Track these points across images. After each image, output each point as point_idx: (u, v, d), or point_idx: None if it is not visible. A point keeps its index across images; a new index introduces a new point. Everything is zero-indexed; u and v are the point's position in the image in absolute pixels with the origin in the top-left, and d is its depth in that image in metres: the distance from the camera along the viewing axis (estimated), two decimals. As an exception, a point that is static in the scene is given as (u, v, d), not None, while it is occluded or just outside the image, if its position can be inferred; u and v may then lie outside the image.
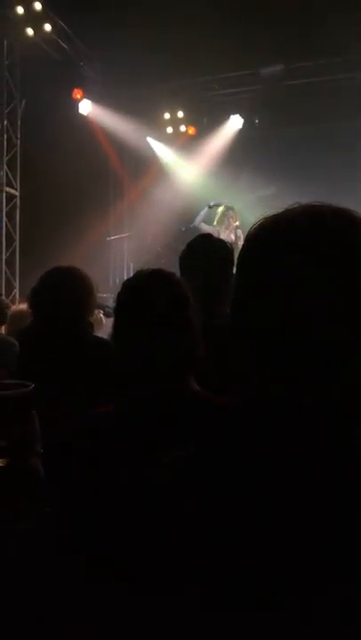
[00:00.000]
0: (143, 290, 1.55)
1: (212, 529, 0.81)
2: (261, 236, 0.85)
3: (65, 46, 8.60)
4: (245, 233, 0.96)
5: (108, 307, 4.49)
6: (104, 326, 4.42)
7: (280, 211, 0.86)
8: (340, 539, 0.77)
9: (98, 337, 2.47)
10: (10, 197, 8.50)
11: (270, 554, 0.78)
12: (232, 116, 9.87)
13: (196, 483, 0.85)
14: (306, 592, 0.76)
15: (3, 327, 4.34)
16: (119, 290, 1.61)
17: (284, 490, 0.80)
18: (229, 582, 0.79)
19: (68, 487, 1.37)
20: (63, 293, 2.31)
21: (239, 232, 7.17)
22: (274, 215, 0.86)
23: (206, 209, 7.50)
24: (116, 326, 1.58)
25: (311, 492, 0.79)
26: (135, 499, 1.15)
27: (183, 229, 7.83)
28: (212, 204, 7.61)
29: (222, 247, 2.53)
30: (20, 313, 4.56)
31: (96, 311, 3.51)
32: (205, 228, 7.25)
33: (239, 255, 0.89)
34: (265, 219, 0.86)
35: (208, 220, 7.57)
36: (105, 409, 1.53)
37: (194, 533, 0.82)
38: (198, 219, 7.52)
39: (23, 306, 4.85)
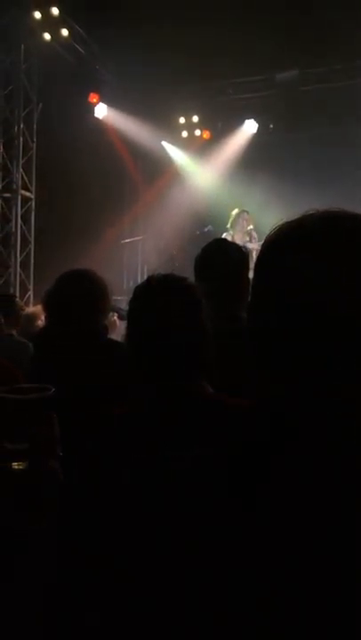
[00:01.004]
0: (155, 294, 1.57)
1: (224, 527, 0.82)
2: (279, 240, 0.86)
3: (81, 51, 8.65)
4: (259, 235, 0.97)
5: (122, 309, 4.50)
6: (118, 328, 4.44)
7: (298, 216, 0.87)
8: (340, 538, 0.77)
9: (112, 339, 2.48)
10: (25, 200, 8.55)
11: (271, 554, 0.79)
12: (247, 121, 9.86)
13: (209, 483, 0.86)
14: (306, 592, 0.77)
15: (15, 329, 4.36)
16: (131, 295, 1.63)
17: (284, 490, 0.80)
18: (233, 581, 0.80)
19: (84, 488, 1.38)
20: (78, 296, 2.32)
21: (254, 234, 7.16)
22: (292, 220, 0.87)
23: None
24: (128, 330, 1.59)
25: (311, 491, 0.80)
26: (154, 498, 1.16)
27: (198, 233, 7.83)
28: (205, 229, 7.67)
29: (237, 251, 2.55)
30: (32, 314, 4.60)
31: (110, 314, 3.52)
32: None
33: (257, 259, 0.90)
34: (283, 224, 0.87)
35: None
36: (119, 411, 1.54)
37: (214, 531, 0.82)
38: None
39: (35, 307, 4.89)
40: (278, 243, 0.86)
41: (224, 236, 6.95)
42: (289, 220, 0.87)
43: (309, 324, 0.79)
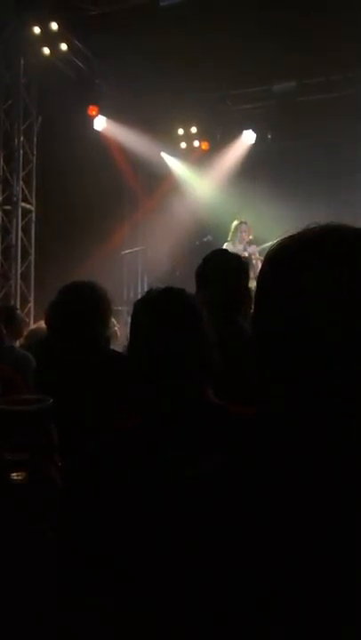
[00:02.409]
0: (156, 308, 1.59)
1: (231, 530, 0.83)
2: (281, 253, 0.89)
3: (80, 64, 8.74)
4: (259, 247, 1.00)
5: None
6: (119, 339, 4.45)
7: (299, 230, 0.89)
8: (340, 538, 0.78)
9: (114, 351, 2.49)
10: (25, 212, 8.60)
11: (271, 554, 0.80)
12: (245, 132, 9.91)
13: (210, 484, 0.87)
14: (306, 592, 0.78)
15: (18, 341, 4.37)
16: (132, 309, 1.65)
17: (284, 490, 0.81)
18: (233, 582, 0.81)
19: (87, 501, 1.38)
20: (80, 308, 2.34)
21: (253, 247, 7.18)
22: (293, 235, 0.89)
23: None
24: (131, 344, 1.61)
25: (311, 492, 0.80)
26: (154, 498, 1.17)
27: (198, 243, 7.86)
28: (205, 239, 7.69)
29: (237, 261, 2.57)
30: (38, 330, 4.59)
31: (112, 324, 3.53)
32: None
33: (259, 272, 0.92)
34: (284, 238, 0.90)
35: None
36: (123, 423, 1.55)
37: (222, 537, 0.83)
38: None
39: (41, 323, 4.90)
40: (280, 256, 0.88)
41: (225, 246, 6.98)
42: (290, 233, 0.89)
43: (309, 327, 0.81)
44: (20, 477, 1.15)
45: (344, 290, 0.81)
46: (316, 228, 0.88)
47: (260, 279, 0.91)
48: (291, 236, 0.89)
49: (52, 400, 1.20)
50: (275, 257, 0.89)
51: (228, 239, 7.35)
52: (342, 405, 0.83)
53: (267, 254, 0.91)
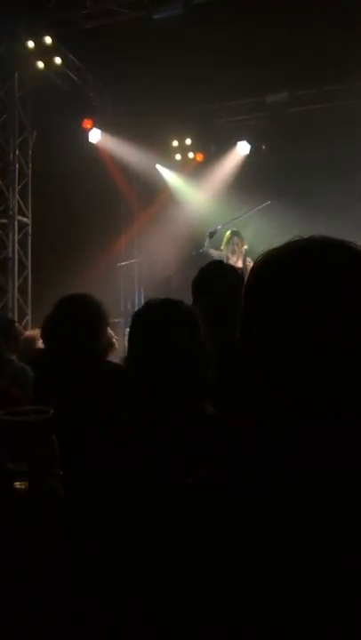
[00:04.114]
0: (154, 319, 1.60)
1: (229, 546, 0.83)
2: (264, 267, 0.94)
3: (75, 78, 8.79)
4: (252, 257, 1.04)
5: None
6: (116, 351, 4.45)
7: (283, 243, 0.94)
8: (337, 549, 0.79)
9: (112, 362, 2.50)
10: (22, 226, 8.61)
11: (270, 560, 0.80)
12: (239, 143, 9.93)
13: (208, 495, 0.87)
14: (307, 592, 0.79)
15: (15, 354, 4.37)
16: (130, 321, 1.66)
17: (284, 500, 0.82)
18: (233, 584, 0.81)
19: (85, 509, 1.39)
20: (77, 321, 2.34)
21: (248, 259, 7.20)
22: (277, 248, 0.94)
23: (208, 239, 7.57)
24: (129, 356, 1.63)
25: (311, 501, 0.81)
26: (157, 521, 1.17)
27: (194, 253, 7.88)
28: (208, 232, 7.67)
29: (233, 273, 2.59)
30: (30, 339, 4.60)
31: (109, 336, 3.54)
32: (214, 253, 7.29)
33: (245, 284, 0.97)
34: (269, 251, 0.95)
35: (215, 245, 7.62)
36: (120, 433, 1.56)
37: (215, 552, 0.84)
38: (206, 245, 7.58)
39: (34, 330, 4.90)
40: (264, 269, 0.94)
41: (219, 255, 7.00)
42: (275, 246, 0.95)
43: (295, 339, 0.85)
44: (22, 486, 1.16)
45: (323, 300, 0.85)
46: (300, 240, 0.93)
47: (246, 293, 0.95)
48: (274, 249, 0.94)
49: (52, 411, 1.21)
50: (259, 269, 0.94)
51: (222, 248, 7.36)
52: (342, 413, 0.85)
53: (253, 267, 0.96)
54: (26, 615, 1.16)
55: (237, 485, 0.86)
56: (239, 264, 6.85)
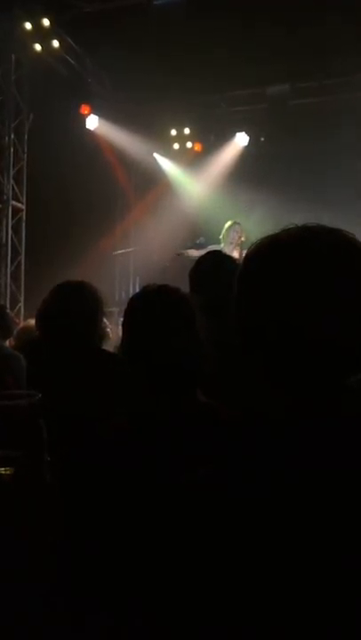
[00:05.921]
0: (150, 305, 1.59)
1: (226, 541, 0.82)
2: (259, 255, 0.93)
3: (72, 62, 8.70)
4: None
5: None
6: (111, 339, 4.42)
7: (277, 231, 0.93)
8: (334, 549, 0.78)
9: (106, 350, 2.47)
10: (16, 211, 8.55)
11: (268, 559, 0.80)
12: (238, 134, 9.95)
13: (213, 505, 0.86)
14: (307, 592, 0.77)
15: (8, 341, 4.33)
16: (126, 306, 1.64)
17: (281, 497, 0.81)
18: (233, 583, 0.80)
19: (76, 499, 1.36)
20: (73, 307, 2.32)
21: (244, 251, 7.16)
22: (271, 235, 0.93)
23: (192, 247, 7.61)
24: (124, 341, 1.61)
25: (309, 499, 0.80)
26: (157, 521, 1.15)
27: (190, 244, 7.86)
28: (198, 241, 7.69)
29: (231, 263, 2.57)
30: (28, 328, 4.56)
31: (104, 324, 3.51)
32: (194, 254, 7.22)
33: (238, 272, 0.96)
34: (263, 239, 0.94)
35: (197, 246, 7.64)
36: (115, 422, 1.54)
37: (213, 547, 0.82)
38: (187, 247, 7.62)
39: (32, 321, 4.86)
40: (256, 256, 0.93)
41: (217, 247, 6.97)
42: (269, 234, 0.94)
43: (290, 337, 0.84)
44: (8, 472, 1.15)
45: (317, 296, 0.84)
46: (293, 228, 0.92)
47: (239, 281, 0.94)
48: (268, 237, 0.93)
49: (40, 395, 1.20)
50: (252, 259, 0.93)
51: (221, 238, 7.34)
52: (342, 411, 0.84)
53: (246, 255, 0.96)
54: (26, 615, 1.14)
55: (237, 485, 0.85)
56: (235, 254, 6.82)
